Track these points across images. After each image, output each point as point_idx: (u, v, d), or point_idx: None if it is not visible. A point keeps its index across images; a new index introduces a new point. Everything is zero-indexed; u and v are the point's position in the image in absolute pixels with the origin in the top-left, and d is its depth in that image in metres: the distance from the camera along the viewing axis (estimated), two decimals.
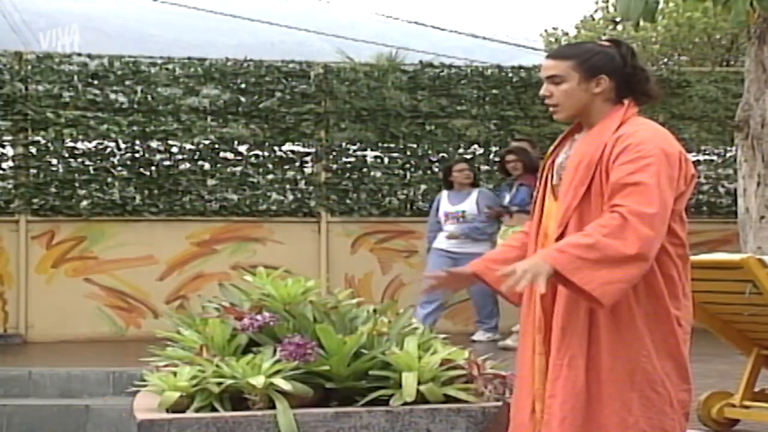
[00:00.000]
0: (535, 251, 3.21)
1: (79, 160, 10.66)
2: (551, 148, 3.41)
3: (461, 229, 9.38)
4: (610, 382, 3.03)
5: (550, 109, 3.26)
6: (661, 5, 8.72)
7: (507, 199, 9.10)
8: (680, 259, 3.14)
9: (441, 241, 9.47)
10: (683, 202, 3.13)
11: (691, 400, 3.17)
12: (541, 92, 3.25)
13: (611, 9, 17.81)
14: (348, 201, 11.00)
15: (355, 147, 11.11)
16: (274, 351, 3.98)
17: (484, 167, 11.26)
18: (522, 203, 8.77)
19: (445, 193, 9.71)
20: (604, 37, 17.08)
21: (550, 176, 3.32)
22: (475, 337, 9.47)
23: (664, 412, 3.06)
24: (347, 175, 11.06)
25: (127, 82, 10.84)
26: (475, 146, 11.30)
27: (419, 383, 3.87)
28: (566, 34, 18.79)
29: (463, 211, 9.44)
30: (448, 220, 9.48)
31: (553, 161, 3.34)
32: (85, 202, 10.61)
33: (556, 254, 2.99)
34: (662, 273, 3.08)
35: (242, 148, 10.95)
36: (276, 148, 10.97)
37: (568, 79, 3.18)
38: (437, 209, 9.65)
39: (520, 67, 11.57)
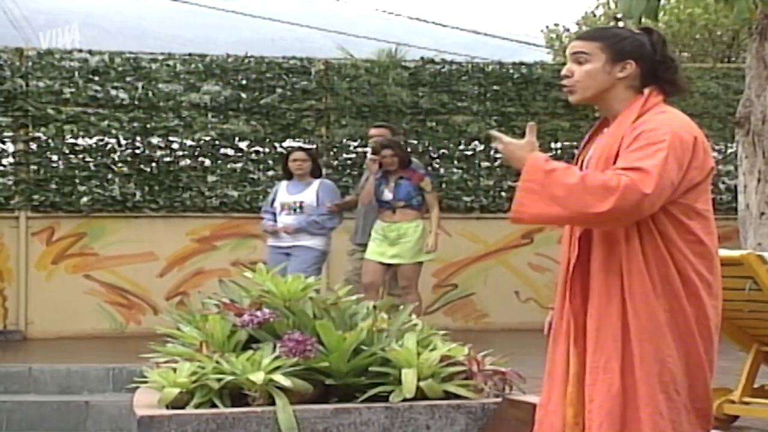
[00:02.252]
0: (570, 248, 3.13)
1: (80, 156, 10.66)
2: (582, 144, 3.27)
3: (297, 222, 8.61)
4: (642, 384, 2.95)
5: (566, 90, 3.16)
6: (662, 2, 8.71)
7: (387, 194, 8.56)
8: (699, 257, 3.02)
9: (274, 238, 8.74)
10: (698, 194, 3.02)
11: (710, 402, 3.08)
12: (563, 72, 3.15)
13: (612, 5, 17.82)
14: (348, 198, 10.97)
15: (355, 143, 11.10)
16: (274, 347, 3.98)
17: (484, 164, 11.26)
18: (407, 197, 8.54)
19: (284, 182, 8.92)
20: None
21: None
22: None
23: (681, 413, 2.99)
24: (348, 171, 11.05)
25: (128, 79, 10.84)
26: (476, 143, 11.29)
27: (419, 379, 3.87)
28: (567, 30, 18.82)
29: (301, 202, 8.67)
30: (283, 211, 8.69)
31: (584, 158, 3.21)
32: (85, 199, 10.62)
33: (533, 170, 2.96)
34: (678, 271, 2.98)
35: (243, 145, 10.94)
36: (277, 144, 10.97)
37: (594, 59, 3.09)
38: (273, 200, 8.87)
39: (521, 64, 11.56)
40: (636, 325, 2.98)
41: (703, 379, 3.04)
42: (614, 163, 2.98)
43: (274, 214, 8.77)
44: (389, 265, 8.54)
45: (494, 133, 3.14)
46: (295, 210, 8.67)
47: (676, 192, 2.96)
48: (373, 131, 9.21)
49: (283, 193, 8.81)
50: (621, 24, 17.34)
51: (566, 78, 3.14)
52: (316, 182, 8.81)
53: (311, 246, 8.62)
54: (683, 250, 3.00)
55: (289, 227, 8.61)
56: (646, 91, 3.10)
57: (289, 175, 8.87)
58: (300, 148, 9.28)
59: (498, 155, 11.34)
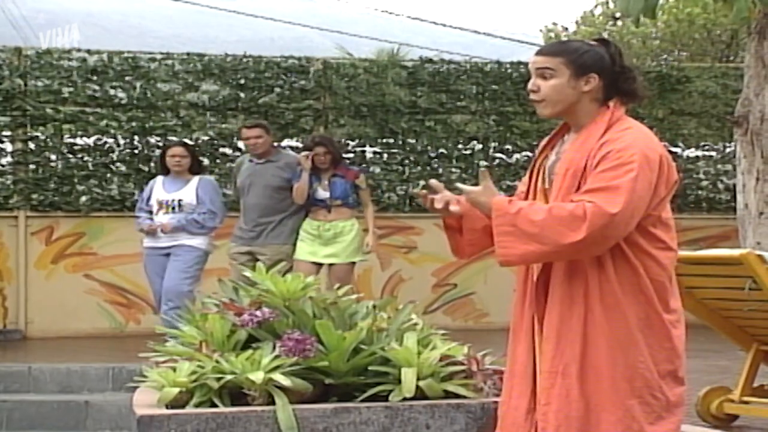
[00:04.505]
0: None
1: (78, 155, 10.67)
2: (539, 148, 3.36)
3: (176, 220, 8.12)
4: (611, 390, 3.02)
5: (535, 104, 3.22)
6: (661, 1, 8.72)
7: (321, 192, 8.39)
8: (670, 261, 3.13)
9: (151, 238, 8.24)
10: (663, 206, 3.11)
11: (684, 397, 3.17)
12: (529, 86, 3.20)
13: (611, 5, 17.83)
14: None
15: (354, 143, 11.11)
16: (274, 347, 3.98)
17: (483, 163, 11.26)
18: (344, 196, 8.40)
19: (160, 178, 8.39)
20: (600, 35, 17.18)
21: (540, 178, 3.27)
22: None
23: (662, 417, 3.06)
24: None
25: (127, 78, 10.84)
26: (474, 142, 11.30)
27: (418, 379, 3.86)
28: (566, 29, 18.83)
29: (180, 200, 8.17)
30: (161, 209, 8.20)
31: (543, 162, 3.29)
32: (84, 198, 10.62)
33: (500, 214, 3.05)
34: (650, 278, 3.06)
35: (241, 144, 10.93)
36: (275, 143, 10.94)
37: (559, 74, 3.14)
38: (148, 197, 8.35)
39: (520, 63, 11.56)
40: (605, 333, 3.05)
41: (681, 379, 3.14)
42: (582, 177, 3.06)
43: (150, 212, 8.30)
44: (321, 264, 8.37)
45: (460, 185, 3.25)
46: (173, 208, 8.19)
47: (649, 208, 3.05)
48: (246, 132, 8.67)
49: (160, 190, 8.30)
50: (619, 23, 17.38)
51: (533, 93, 3.20)
52: (196, 179, 8.29)
53: (193, 245, 8.16)
54: (656, 258, 3.10)
55: (166, 226, 8.13)
56: (611, 104, 3.16)
57: (165, 171, 8.37)
58: (179, 143, 8.67)
59: (497, 154, 11.37)
